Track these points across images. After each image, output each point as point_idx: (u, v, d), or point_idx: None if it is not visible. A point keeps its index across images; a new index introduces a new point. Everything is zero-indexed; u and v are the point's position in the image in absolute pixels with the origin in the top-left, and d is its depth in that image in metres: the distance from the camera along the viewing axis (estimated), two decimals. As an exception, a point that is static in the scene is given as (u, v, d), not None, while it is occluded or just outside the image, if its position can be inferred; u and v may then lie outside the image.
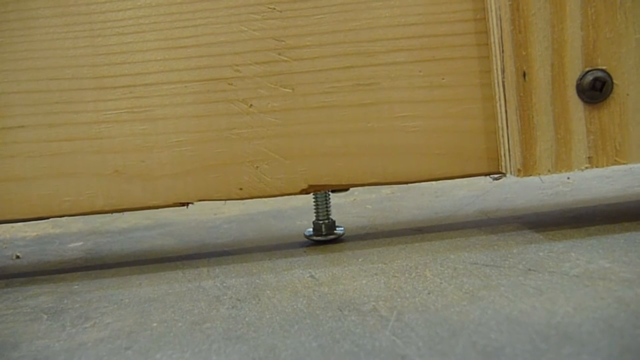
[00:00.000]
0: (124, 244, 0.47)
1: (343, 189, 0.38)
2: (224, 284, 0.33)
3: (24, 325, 0.29)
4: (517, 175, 0.33)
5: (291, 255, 0.37)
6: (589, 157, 0.33)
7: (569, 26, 0.32)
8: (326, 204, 0.39)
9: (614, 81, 0.32)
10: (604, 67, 0.32)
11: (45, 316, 0.30)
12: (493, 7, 0.34)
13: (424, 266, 0.32)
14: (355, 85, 0.36)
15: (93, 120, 0.37)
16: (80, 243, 0.49)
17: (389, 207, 0.50)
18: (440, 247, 0.35)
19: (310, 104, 0.36)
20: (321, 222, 0.39)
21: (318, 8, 0.36)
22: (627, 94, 0.32)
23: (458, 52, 0.36)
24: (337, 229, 0.40)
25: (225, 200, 0.37)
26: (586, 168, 0.33)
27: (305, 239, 0.40)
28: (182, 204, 0.37)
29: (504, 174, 0.36)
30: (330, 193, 0.39)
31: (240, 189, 0.37)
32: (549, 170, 0.33)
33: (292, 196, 0.38)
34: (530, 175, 0.33)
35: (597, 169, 0.33)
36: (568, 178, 0.52)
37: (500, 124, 0.35)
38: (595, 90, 0.32)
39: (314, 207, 0.39)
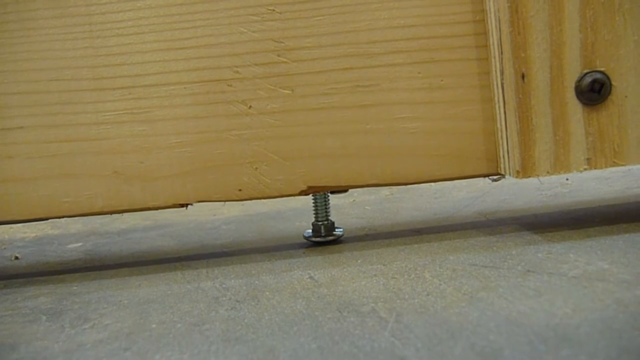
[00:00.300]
0: (123, 245, 0.46)
1: (342, 190, 0.38)
2: (223, 285, 0.33)
3: (23, 327, 0.29)
4: (516, 177, 0.33)
5: (290, 257, 0.37)
6: (587, 159, 0.33)
7: (568, 28, 0.32)
8: (325, 205, 0.39)
9: (613, 83, 0.32)
10: (602, 69, 0.32)
11: (44, 317, 0.30)
12: (492, 9, 0.34)
13: (423, 267, 0.32)
14: (354, 87, 0.36)
15: (92, 121, 0.37)
16: (80, 244, 0.49)
17: (388, 208, 0.50)
18: (439, 248, 0.35)
19: (310, 105, 0.36)
20: (320, 223, 0.39)
21: (317, 10, 0.36)
22: (626, 96, 0.33)
23: (457, 53, 0.36)
24: (336, 230, 0.40)
25: (225, 201, 0.37)
26: (585, 169, 0.33)
27: (305, 240, 0.40)
28: (181, 205, 0.37)
29: (503, 175, 0.36)
30: (329, 194, 0.39)
31: (240, 190, 0.37)
32: (547, 172, 0.33)
33: (292, 197, 0.38)
34: (529, 176, 0.33)
35: (595, 170, 0.33)
36: (567, 179, 0.53)
37: (499, 126, 0.35)
38: (594, 92, 0.32)
39: (313, 208, 0.39)
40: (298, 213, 0.52)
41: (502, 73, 0.33)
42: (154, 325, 0.27)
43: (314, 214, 0.39)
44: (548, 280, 0.27)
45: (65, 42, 0.37)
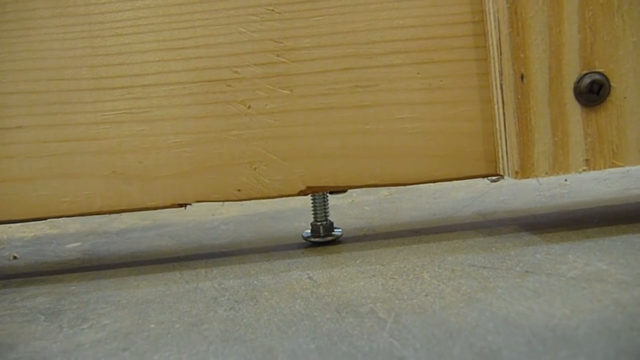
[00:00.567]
0: (122, 245, 0.46)
1: (341, 190, 0.38)
2: (222, 286, 0.33)
3: (21, 326, 0.29)
4: (515, 178, 0.33)
5: (289, 257, 0.37)
6: (586, 160, 0.33)
7: (567, 29, 0.32)
8: (324, 205, 0.39)
9: (611, 84, 0.32)
10: (601, 70, 0.32)
11: (43, 317, 0.30)
12: (491, 10, 0.34)
13: (422, 268, 0.32)
14: (353, 87, 0.36)
15: (91, 121, 0.37)
16: (78, 244, 0.49)
17: (387, 208, 0.50)
18: (438, 249, 0.35)
19: (309, 105, 0.36)
20: (319, 223, 0.39)
21: (317, 10, 0.36)
22: (625, 97, 0.33)
23: (456, 54, 0.36)
24: (335, 230, 0.40)
25: (223, 201, 0.37)
26: (583, 170, 0.33)
27: (303, 241, 0.40)
28: (180, 205, 0.37)
29: (502, 176, 0.36)
30: (328, 194, 0.39)
31: (239, 190, 0.37)
32: (546, 173, 0.33)
33: (290, 197, 0.38)
34: (528, 177, 0.33)
35: (594, 171, 0.33)
36: (565, 180, 0.53)
37: (498, 126, 0.35)
38: (593, 93, 0.32)
39: (312, 208, 0.39)
40: (297, 213, 0.52)
41: (501, 74, 0.34)
42: (152, 326, 0.27)
43: (313, 214, 0.39)
44: (547, 281, 0.27)
45: (65, 42, 0.37)
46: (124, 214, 0.57)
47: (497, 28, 0.33)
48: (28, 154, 0.37)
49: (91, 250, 0.46)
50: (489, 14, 0.34)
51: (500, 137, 0.35)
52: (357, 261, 0.34)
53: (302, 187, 0.37)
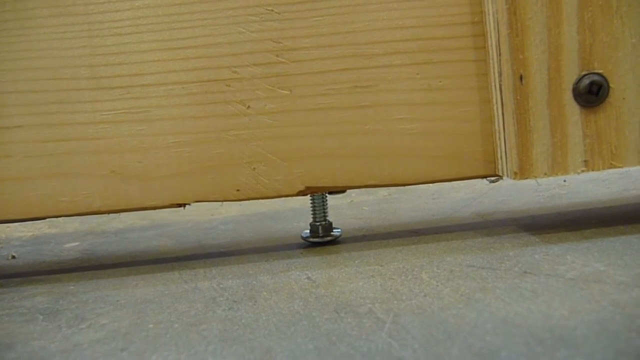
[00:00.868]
0: (121, 245, 0.46)
1: (340, 190, 0.38)
2: (221, 285, 0.33)
3: (20, 326, 0.29)
4: (514, 178, 0.33)
5: (288, 257, 0.37)
6: (585, 161, 0.33)
7: (566, 30, 0.32)
8: (323, 205, 0.39)
9: (610, 85, 0.33)
10: (600, 71, 0.32)
11: (41, 317, 0.30)
12: (490, 11, 0.34)
13: (421, 268, 0.32)
14: (353, 88, 0.36)
15: (90, 121, 0.37)
16: (77, 243, 0.49)
17: (386, 209, 0.50)
18: (437, 249, 0.35)
19: (308, 105, 0.36)
20: (318, 223, 0.39)
21: (316, 10, 0.36)
22: (623, 98, 0.33)
23: (455, 55, 0.36)
24: (334, 230, 0.40)
25: (222, 201, 0.37)
26: (582, 171, 0.33)
27: (302, 241, 0.40)
28: (179, 205, 0.37)
29: (501, 177, 0.36)
30: (327, 195, 0.39)
31: (237, 190, 0.37)
32: (545, 173, 0.33)
33: (289, 198, 0.38)
34: (527, 178, 0.33)
35: (593, 172, 0.33)
36: (564, 181, 0.53)
37: (497, 127, 0.35)
38: (592, 94, 0.32)
39: (311, 208, 0.39)
40: (296, 213, 0.52)
41: (500, 74, 0.34)
42: (151, 325, 0.27)
43: (312, 214, 0.39)
44: (545, 282, 0.27)
45: (64, 41, 0.37)
46: (122, 214, 0.57)
47: (497, 29, 0.33)
48: (27, 153, 0.37)
49: (90, 250, 0.46)
50: (488, 15, 0.34)
51: (499, 138, 0.35)
52: (356, 261, 0.34)
53: (301, 187, 0.37)
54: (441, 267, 0.31)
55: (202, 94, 0.36)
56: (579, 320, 0.23)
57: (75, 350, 0.25)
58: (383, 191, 0.58)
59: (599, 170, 0.33)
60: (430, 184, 0.38)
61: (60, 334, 0.27)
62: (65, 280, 0.37)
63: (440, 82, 0.36)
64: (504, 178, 0.36)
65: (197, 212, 0.56)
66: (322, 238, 0.39)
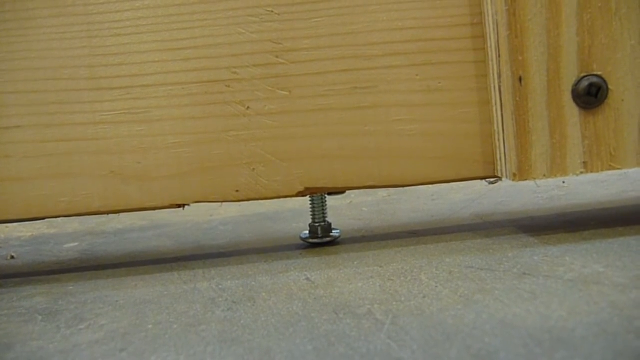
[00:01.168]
0: (120, 245, 0.46)
1: (339, 191, 0.38)
2: (220, 286, 0.33)
3: (18, 326, 0.29)
4: (513, 180, 0.33)
5: (287, 258, 0.37)
6: (584, 162, 0.33)
7: (565, 32, 0.32)
8: (322, 206, 0.39)
9: (609, 87, 0.33)
10: (599, 73, 0.32)
11: (40, 317, 0.30)
12: (490, 12, 0.34)
13: (420, 269, 0.32)
14: (352, 89, 0.36)
15: (90, 121, 0.37)
16: (76, 244, 0.49)
17: (385, 209, 0.50)
18: (436, 250, 0.35)
19: (308, 106, 0.36)
20: (317, 224, 0.39)
21: (316, 11, 0.36)
22: (622, 100, 0.33)
23: (455, 56, 0.36)
24: (333, 231, 0.40)
25: (222, 202, 0.37)
26: (581, 173, 0.33)
27: (302, 242, 0.40)
28: (179, 206, 0.37)
29: (500, 178, 0.36)
30: (326, 195, 0.39)
31: (237, 191, 0.37)
32: (544, 175, 0.33)
33: (289, 198, 0.38)
34: (526, 179, 0.33)
35: (592, 173, 0.33)
36: (563, 182, 0.53)
37: (496, 128, 0.35)
38: (591, 95, 0.32)
39: (311, 209, 0.39)
40: (295, 214, 0.52)
41: (499, 76, 0.34)
42: (150, 326, 0.27)
43: (311, 215, 0.39)
44: (544, 283, 0.27)
45: (63, 42, 0.37)
46: (122, 214, 0.57)
47: (496, 30, 0.33)
48: (26, 153, 0.37)
49: (89, 251, 0.46)
50: (488, 16, 0.34)
51: (499, 139, 0.35)
52: (355, 262, 0.34)
53: (301, 188, 0.37)
54: (440, 268, 0.31)
55: (201, 95, 0.36)
56: (578, 321, 0.23)
57: (74, 350, 0.25)
58: (382, 192, 0.58)
59: (597, 171, 0.33)
60: (430, 185, 0.38)
61: (59, 335, 0.27)
62: (64, 280, 0.37)
63: (439, 83, 0.36)
64: (503, 179, 0.36)
65: (196, 213, 0.56)
66: (321, 239, 0.39)
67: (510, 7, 0.32)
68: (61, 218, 0.38)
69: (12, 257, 0.45)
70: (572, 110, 0.33)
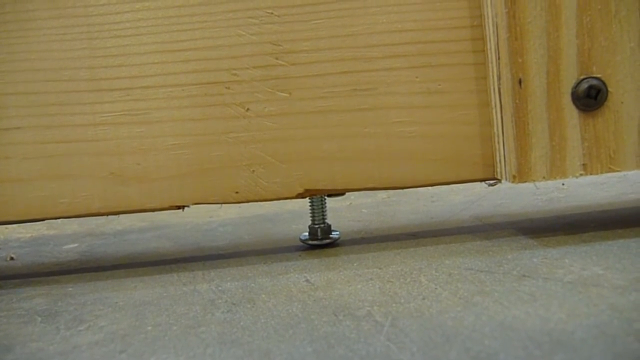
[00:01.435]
0: (119, 246, 0.46)
1: (339, 193, 0.38)
2: (219, 288, 0.33)
3: (18, 328, 0.29)
4: (512, 182, 0.33)
5: (287, 259, 0.37)
6: (583, 165, 0.33)
7: (565, 34, 0.32)
8: (322, 208, 0.39)
9: (609, 89, 0.33)
10: (598, 75, 0.33)
11: (40, 318, 0.30)
12: (490, 14, 0.34)
13: (419, 271, 0.32)
14: (352, 91, 0.36)
15: (90, 123, 0.37)
16: (75, 245, 0.49)
17: (385, 211, 0.50)
18: (435, 252, 0.35)
19: (307, 108, 0.36)
20: (317, 226, 0.39)
21: (316, 13, 0.36)
22: (622, 102, 0.33)
23: (454, 58, 0.36)
24: (332, 233, 0.40)
25: (221, 203, 0.37)
26: (581, 175, 0.33)
27: (301, 243, 0.40)
28: (178, 207, 0.37)
29: (499, 180, 0.36)
30: (326, 197, 0.39)
31: (236, 192, 0.37)
32: (543, 177, 0.33)
33: (288, 200, 0.38)
34: (525, 181, 0.33)
35: (591, 176, 0.33)
36: (562, 184, 0.53)
37: (495, 130, 0.35)
38: (590, 98, 0.32)
39: (310, 211, 0.39)
40: (295, 216, 0.52)
41: (499, 78, 0.34)
42: (149, 328, 0.27)
43: (311, 216, 0.39)
44: (543, 285, 0.27)
45: (63, 43, 0.37)
46: (121, 216, 0.57)
47: (496, 32, 0.33)
48: (26, 154, 0.37)
49: (88, 252, 0.46)
50: (488, 18, 0.34)
51: (498, 141, 0.35)
52: (355, 264, 0.34)
53: (300, 190, 0.37)
54: (440, 270, 0.31)
55: (201, 96, 0.36)
56: (577, 324, 0.23)
57: (73, 352, 0.25)
58: (382, 194, 0.58)
59: (597, 174, 0.33)
60: (429, 187, 0.38)
61: (58, 336, 0.27)
62: (63, 281, 0.37)
63: (439, 85, 0.36)
64: (502, 181, 0.36)
65: (196, 214, 0.56)
66: (320, 240, 0.39)
67: (510, 9, 0.32)
68: (61, 219, 0.38)
69: (12, 258, 0.45)
70: (571, 113, 0.33)
